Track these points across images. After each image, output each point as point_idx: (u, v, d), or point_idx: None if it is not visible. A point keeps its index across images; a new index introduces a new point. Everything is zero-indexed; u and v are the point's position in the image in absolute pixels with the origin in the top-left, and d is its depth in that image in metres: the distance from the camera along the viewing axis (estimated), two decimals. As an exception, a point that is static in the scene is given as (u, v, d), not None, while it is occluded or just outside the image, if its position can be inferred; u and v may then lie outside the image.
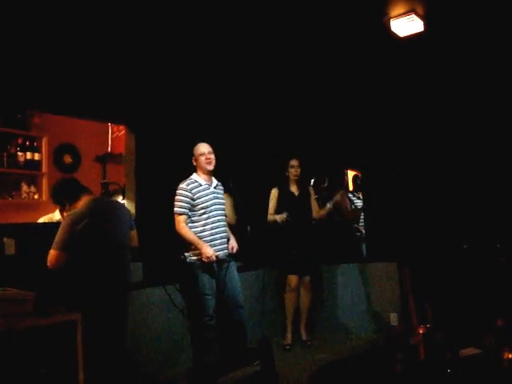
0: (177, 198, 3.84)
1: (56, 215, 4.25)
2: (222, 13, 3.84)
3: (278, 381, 3.18)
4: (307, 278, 4.96)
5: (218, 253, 3.84)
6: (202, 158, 3.93)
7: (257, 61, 4.70)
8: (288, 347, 4.82)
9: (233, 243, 4.05)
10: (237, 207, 4.98)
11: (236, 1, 3.67)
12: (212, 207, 3.88)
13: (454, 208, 5.08)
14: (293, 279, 4.89)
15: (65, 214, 3.22)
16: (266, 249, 5.10)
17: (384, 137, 5.42)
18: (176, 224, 3.83)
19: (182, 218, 3.82)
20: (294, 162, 5.01)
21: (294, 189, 5.03)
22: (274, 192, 5.02)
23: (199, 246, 3.78)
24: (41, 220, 4.44)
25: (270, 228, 5.00)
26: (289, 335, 4.92)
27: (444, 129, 5.23)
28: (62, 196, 3.22)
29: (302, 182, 5.11)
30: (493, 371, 2.55)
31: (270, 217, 4.97)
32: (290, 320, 4.94)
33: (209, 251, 3.76)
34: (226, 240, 3.98)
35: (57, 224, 3.20)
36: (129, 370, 3.42)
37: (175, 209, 3.83)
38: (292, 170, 5.00)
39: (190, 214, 3.85)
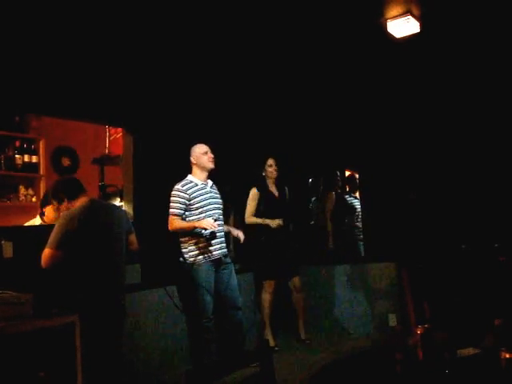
0: (172, 199, 3.86)
1: (37, 220, 4.23)
2: (219, 16, 3.84)
3: (277, 382, 3.18)
4: (296, 279, 4.87)
5: (214, 252, 3.87)
6: (205, 157, 3.94)
7: (254, 62, 4.70)
8: (276, 348, 4.66)
9: (237, 232, 4.07)
10: (235, 215, 4.96)
11: (233, 3, 3.67)
12: (209, 206, 3.90)
13: (452, 208, 5.09)
14: (270, 284, 4.74)
15: (60, 211, 3.22)
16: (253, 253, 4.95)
17: (381, 136, 5.43)
18: (169, 224, 3.84)
19: (176, 218, 3.83)
20: (271, 162, 4.82)
21: (273, 189, 4.85)
22: (255, 192, 4.79)
23: (196, 224, 3.75)
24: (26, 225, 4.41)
25: (249, 230, 4.73)
26: (270, 337, 4.73)
27: (440, 128, 5.24)
28: (61, 192, 3.23)
29: (280, 183, 4.93)
30: (491, 371, 2.55)
31: (251, 219, 4.77)
32: (267, 320, 4.76)
33: (206, 221, 3.72)
34: (224, 239, 3.99)
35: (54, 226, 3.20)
36: (126, 372, 3.42)
37: (171, 210, 3.85)
38: (270, 170, 4.81)
39: (186, 214, 3.86)
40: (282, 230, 4.77)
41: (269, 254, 4.73)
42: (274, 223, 4.70)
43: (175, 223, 3.82)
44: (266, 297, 4.78)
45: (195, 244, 3.85)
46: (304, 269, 5.13)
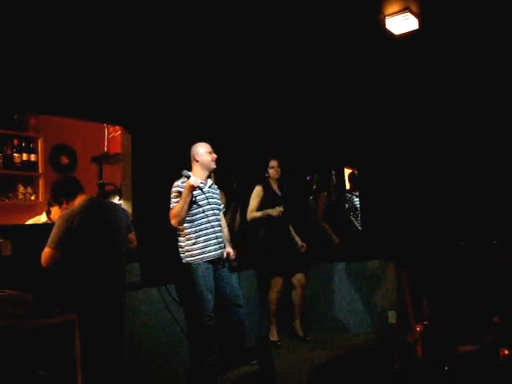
0: (173, 194, 3.82)
1: (42, 217, 4.24)
2: (218, 15, 3.83)
3: (277, 379, 3.18)
4: (300, 276, 4.93)
5: (213, 253, 3.86)
6: (209, 157, 3.92)
7: (252, 60, 4.70)
8: (279, 343, 4.77)
9: (228, 250, 4.02)
10: (241, 213, 4.98)
11: (233, 1, 3.67)
12: (207, 206, 3.89)
13: (451, 205, 5.09)
14: (278, 281, 4.82)
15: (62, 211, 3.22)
16: (254, 249, 5.01)
17: (379, 134, 5.43)
18: (171, 219, 3.79)
19: None
20: (273, 163, 4.91)
21: (275, 189, 4.94)
22: (259, 190, 4.86)
23: (186, 191, 3.70)
24: (29, 222, 4.41)
25: (251, 226, 4.89)
26: (274, 332, 4.84)
27: (439, 126, 5.24)
28: (60, 194, 3.24)
29: (282, 183, 5.02)
30: (490, 368, 2.56)
31: (253, 214, 4.81)
32: (273, 317, 4.86)
33: (192, 181, 3.69)
34: (222, 239, 3.97)
35: (53, 225, 3.20)
36: (127, 371, 3.42)
37: (172, 204, 3.81)
38: (272, 171, 4.90)
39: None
40: (284, 225, 4.85)
41: (271, 250, 4.79)
42: (275, 211, 4.74)
43: (173, 210, 3.75)
44: (273, 296, 4.84)
45: (193, 244, 3.84)
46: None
